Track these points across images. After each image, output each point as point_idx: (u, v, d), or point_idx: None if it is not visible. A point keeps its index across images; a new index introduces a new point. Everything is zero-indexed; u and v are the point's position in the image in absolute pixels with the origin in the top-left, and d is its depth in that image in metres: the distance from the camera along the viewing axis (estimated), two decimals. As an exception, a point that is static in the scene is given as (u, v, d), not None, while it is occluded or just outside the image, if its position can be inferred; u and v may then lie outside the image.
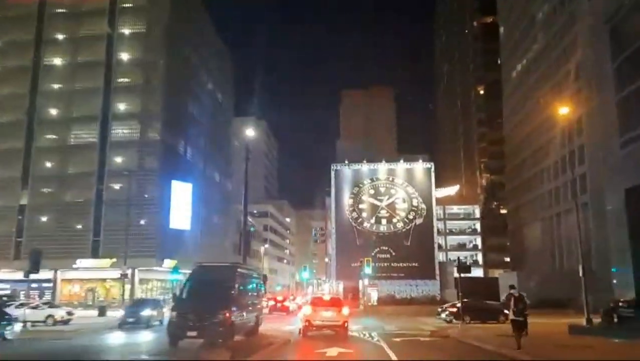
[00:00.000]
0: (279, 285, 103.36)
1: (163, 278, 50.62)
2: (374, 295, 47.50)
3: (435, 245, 55.37)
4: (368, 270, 40.80)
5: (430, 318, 32.33)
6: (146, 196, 47.70)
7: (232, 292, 15.92)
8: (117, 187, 47.61)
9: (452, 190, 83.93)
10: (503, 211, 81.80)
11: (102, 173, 49.06)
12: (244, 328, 16.87)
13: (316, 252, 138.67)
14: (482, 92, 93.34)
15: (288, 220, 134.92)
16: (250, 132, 25.42)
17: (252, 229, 59.87)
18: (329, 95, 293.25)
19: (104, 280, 48.31)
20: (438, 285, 52.63)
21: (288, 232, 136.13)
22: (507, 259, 75.34)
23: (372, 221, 55.43)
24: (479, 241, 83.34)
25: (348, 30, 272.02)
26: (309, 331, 19.24)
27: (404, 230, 54.71)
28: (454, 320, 27.83)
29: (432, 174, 56.09)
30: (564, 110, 25.91)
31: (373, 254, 49.58)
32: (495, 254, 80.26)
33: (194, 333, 14.64)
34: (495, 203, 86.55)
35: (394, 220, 55.21)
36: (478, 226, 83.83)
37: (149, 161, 48.99)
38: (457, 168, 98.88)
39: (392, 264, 53.42)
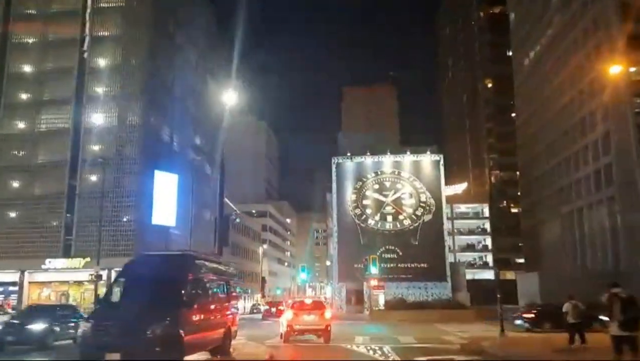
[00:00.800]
0: (279, 288, 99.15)
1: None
2: (380, 299, 42.56)
3: (446, 244, 50.55)
4: (374, 269, 35.78)
5: (438, 325, 27.89)
6: (125, 188, 42.87)
7: (183, 292, 10.71)
8: (92, 178, 42.88)
9: (459, 188, 79.44)
10: (514, 210, 78.21)
11: (75, 163, 44.13)
12: (204, 344, 11.65)
13: (318, 255, 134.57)
14: (489, 85, 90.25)
15: (289, 220, 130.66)
16: (230, 98, 20.39)
17: (237, 220, 55.06)
18: (330, 97, 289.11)
19: (80, 282, 43.49)
20: (449, 287, 47.86)
21: (289, 233, 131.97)
22: (520, 260, 71.59)
23: (377, 218, 50.66)
24: (488, 241, 79.33)
25: (348, 29, 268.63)
26: (290, 336, 18.37)
27: (411, 227, 49.98)
28: (535, 328, 23.11)
29: (442, 167, 51.25)
30: (615, 69, 20.90)
31: (378, 254, 44.58)
32: (506, 255, 76.23)
33: (116, 356, 9.26)
34: (506, 201, 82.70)
35: (401, 217, 50.46)
36: (487, 225, 79.89)
37: (128, 148, 44.10)
38: (465, 165, 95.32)
39: (399, 265, 48.76)
